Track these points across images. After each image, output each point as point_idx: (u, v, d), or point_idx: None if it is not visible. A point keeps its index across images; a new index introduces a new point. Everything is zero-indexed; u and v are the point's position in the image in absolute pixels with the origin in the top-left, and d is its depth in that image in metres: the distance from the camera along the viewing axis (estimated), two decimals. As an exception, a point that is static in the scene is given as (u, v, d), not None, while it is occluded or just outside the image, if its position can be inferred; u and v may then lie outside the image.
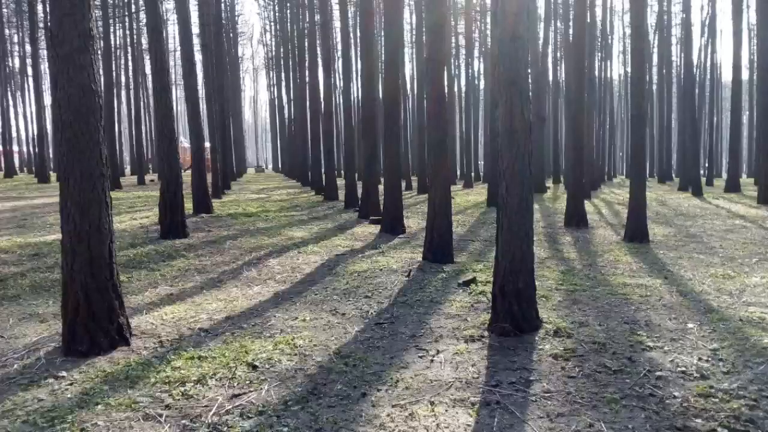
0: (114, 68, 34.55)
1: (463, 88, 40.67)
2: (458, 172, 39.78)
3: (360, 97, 31.75)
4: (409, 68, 44.30)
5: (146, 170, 43.91)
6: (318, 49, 24.72)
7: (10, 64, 52.31)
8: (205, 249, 10.25)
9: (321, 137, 22.29)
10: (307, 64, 25.34)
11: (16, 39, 53.82)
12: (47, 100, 29.95)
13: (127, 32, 42.83)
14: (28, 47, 45.82)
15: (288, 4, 35.09)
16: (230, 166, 30.94)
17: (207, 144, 22.57)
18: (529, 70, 5.96)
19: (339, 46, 39.74)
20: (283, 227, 13.25)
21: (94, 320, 4.89)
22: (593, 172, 27.75)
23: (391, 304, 6.52)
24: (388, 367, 4.55)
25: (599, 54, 35.45)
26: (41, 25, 33.31)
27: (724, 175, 39.52)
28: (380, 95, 19.21)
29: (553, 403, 3.85)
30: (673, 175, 42.56)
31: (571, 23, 21.29)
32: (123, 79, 47.91)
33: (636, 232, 11.24)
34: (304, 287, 7.47)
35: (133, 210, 16.42)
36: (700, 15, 48.63)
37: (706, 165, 35.22)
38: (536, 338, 5.16)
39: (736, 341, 5.02)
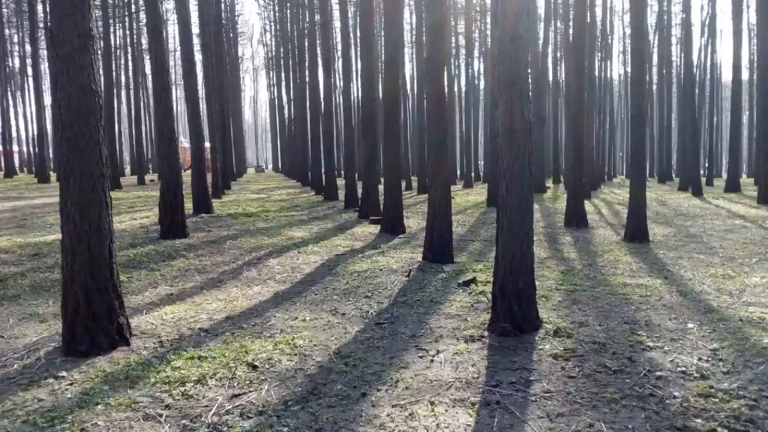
0: (114, 68, 34.54)
1: (463, 88, 40.64)
2: (458, 172, 39.76)
3: (360, 97, 31.75)
4: (409, 68, 44.29)
5: (146, 170, 43.90)
6: (318, 49, 24.72)
7: (10, 64, 52.31)
8: (205, 249, 10.24)
9: (321, 137, 22.28)
10: (307, 64, 25.33)
11: (16, 39, 53.82)
12: (47, 100, 29.94)
13: (127, 32, 42.83)
14: (28, 47, 45.82)
15: (288, 4, 35.10)
16: (230, 166, 30.93)
17: (207, 144, 22.57)
18: (529, 70, 5.97)
19: (339, 46, 39.71)
20: (283, 227, 13.25)
21: (94, 320, 4.89)
22: (593, 172, 27.75)
23: (391, 304, 6.52)
24: (388, 367, 4.55)
25: (599, 54, 35.45)
26: (41, 25, 33.31)
27: (724, 175, 39.51)
28: (380, 95, 19.20)
29: (553, 403, 3.85)
30: (673, 175, 42.55)
31: (571, 23, 21.29)
32: (123, 79, 47.91)
33: (636, 232, 11.24)
34: (304, 287, 7.47)
35: (133, 210, 16.41)
36: (700, 15, 48.67)
37: (706, 165, 35.22)
38: (536, 338, 5.15)
39: (736, 341, 5.02)
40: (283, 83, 44.14)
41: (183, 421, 3.62)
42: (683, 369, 4.38)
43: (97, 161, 4.89)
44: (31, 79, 43.22)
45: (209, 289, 7.45)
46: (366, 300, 6.74)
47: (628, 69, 38.01)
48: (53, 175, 33.31)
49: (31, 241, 10.61)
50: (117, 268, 5.17)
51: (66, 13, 4.74)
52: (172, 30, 49.63)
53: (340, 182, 24.40)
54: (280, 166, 61.21)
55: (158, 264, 8.90)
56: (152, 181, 33.96)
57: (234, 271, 8.58)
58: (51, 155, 43.87)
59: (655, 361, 4.58)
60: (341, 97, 35.19)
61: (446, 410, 3.75)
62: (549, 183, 31.55)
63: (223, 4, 33.04)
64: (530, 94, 5.78)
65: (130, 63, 44.75)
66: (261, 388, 4.12)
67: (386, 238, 11.59)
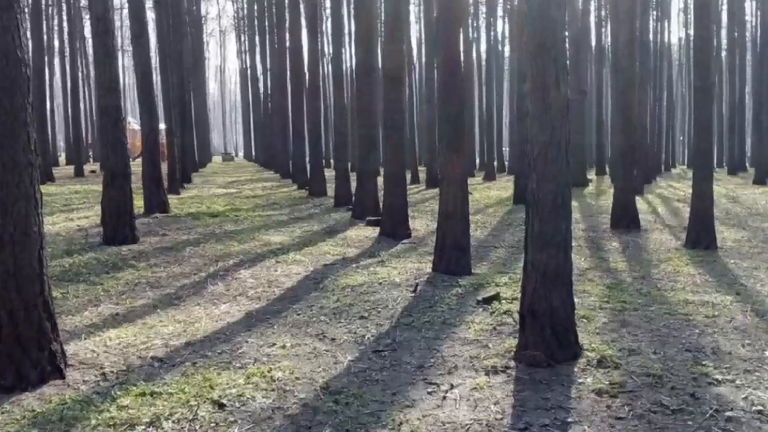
0: (45, 30, 34.60)
1: (484, 56, 40.69)
2: (477, 161, 39.86)
3: (354, 66, 31.79)
4: (415, 30, 44.33)
5: (85, 158, 43.97)
6: (301, 5, 24.73)
7: None
8: (159, 257, 10.27)
9: (305, 117, 22.31)
10: (287, 25, 25.37)
11: None
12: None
13: (62, -15, 42.93)
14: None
15: (263, -50, 35.16)
16: (191, 153, 31.00)
17: (162, 125, 22.58)
18: (566, 32, 5.97)
19: (328, 2, 39.78)
20: (258, 230, 13.28)
21: (19, 346, 4.89)
22: (647, 160, 27.80)
23: (393, 327, 6.53)
24: (390, 405, 4.56)
25: (654, 12, 35.52)
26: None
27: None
28: (379, 64, 19.21)
29: (596, 450, 3.86)
30: (747, 165, 42.55)
31: (619, -26, 21.30)
32: (56, 43, 47.94)
33: (700, 236, 11.25)
34: (284, 305, 7.48)
35: (69, 209, 16.43)
36: (781, -37, 48.59)
37: (789, 151, 35.16)
38: (575, 369, 5.16)
39: (827, 373, 5.03)
40: (258, 49, 44.24)
41: (131, 474, 3.63)
42: (759, 408, 4.38)
43: (24, 147, 4.89)
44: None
45: (165, 307, 7.46)
46: (361, 321, 6.76)
47: (690, 31, 38.06)
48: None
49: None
50: (49, 282, 5.18)
51: (-16, -38, 4.74)
52: (118, -18, 49.72)
53: (329, 174, 24.43)
54: (253, 153, 61.30)
55: (100, 276, 8.91)
56: (93, 172, 34.04)
57: (196, 285, 8.59)
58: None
59: (725, 398, 4.58)
60: (330, 65, 35.21)
61: (462, 460, 3.76)
62: (591, 174, 31.61)
63: (182, -50, 33.07)
64: (567, 62, 5.78)
65: (65, 24, 44.78)
66: (229, 433, 4.12)
67: (387, 244, 11.61)
